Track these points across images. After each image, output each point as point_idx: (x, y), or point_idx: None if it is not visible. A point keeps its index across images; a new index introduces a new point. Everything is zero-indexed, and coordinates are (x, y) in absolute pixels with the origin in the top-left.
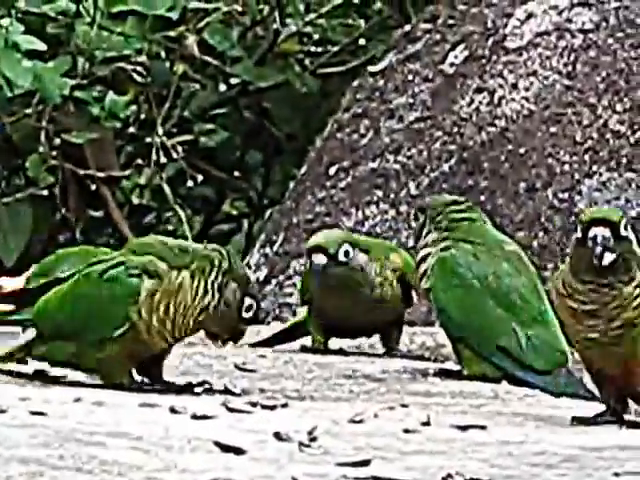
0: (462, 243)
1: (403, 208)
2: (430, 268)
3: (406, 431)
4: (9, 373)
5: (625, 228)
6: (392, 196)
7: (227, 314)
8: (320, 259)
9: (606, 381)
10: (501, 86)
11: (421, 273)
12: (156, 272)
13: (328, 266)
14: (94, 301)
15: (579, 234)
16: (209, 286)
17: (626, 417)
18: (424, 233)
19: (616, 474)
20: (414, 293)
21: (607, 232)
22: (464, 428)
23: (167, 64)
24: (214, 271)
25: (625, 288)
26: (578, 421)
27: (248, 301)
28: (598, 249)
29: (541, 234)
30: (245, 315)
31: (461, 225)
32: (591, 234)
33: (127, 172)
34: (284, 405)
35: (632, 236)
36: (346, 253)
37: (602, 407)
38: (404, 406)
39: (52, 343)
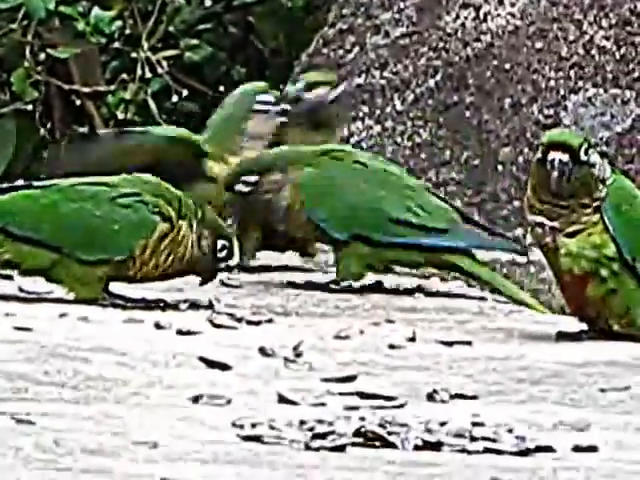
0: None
1: (388, 124)
2: None
3: (391, 347)
4: None
5: (585, 153)
6: (377, 112)
7: (204, 259)
8: None
9: (565, 295)
10: (487, 1)
11: None
12: (169, 218)
13: None
14: (97, 221)
15: (540, 155)
16: (194, 237)
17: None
18: None
19: (602, 390)
20: None
21: (566, 157)
22: (449, 344)
23: None
24: (196, 222)
25: (581, 213)
26: (563, 336)
27: (221, 243)
28: (555, 173)
29: (526, 150)
30: (219, 255)
31: None
32: (550, 158)
33: (112, 87)
34: (269, 320)
35: (595, 158)
36: None
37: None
38: (389, 322)
39: (21, 247)
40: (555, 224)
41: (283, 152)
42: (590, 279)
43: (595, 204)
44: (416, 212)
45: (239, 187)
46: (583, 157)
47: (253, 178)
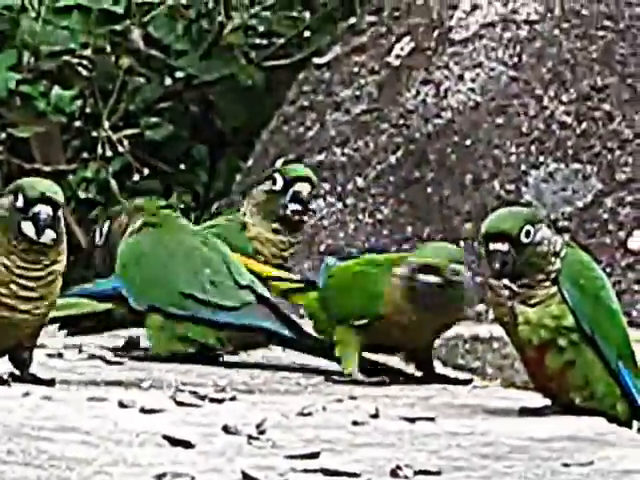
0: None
1: (350, 201)
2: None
3: (355, 423)
4: None
5: (527, 235)
6: (339, 189)
7: None
8: None
9: (528, 370)
10: (447, 78)
11: None
12: None
13: None
14: None
15: (482, 247)
16: None
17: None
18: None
19: (565, 464)
20: None
21: (505, 246)
22: (412, 420)
23: (112, 58)
24: None
25: (538, 288)
26: (526, 412)
27: None
28: (496, 265)
29: None
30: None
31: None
32: (490, 248)
33: (73, 166)
34: (232, 398)
35: (542, 234)
36: None
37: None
38: (352, 398)
39: None
40: (515, 292)
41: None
42: (549, 349)
43: (552, 276)
44: (205, 288)
45: None
46: (524, 240)
47: None
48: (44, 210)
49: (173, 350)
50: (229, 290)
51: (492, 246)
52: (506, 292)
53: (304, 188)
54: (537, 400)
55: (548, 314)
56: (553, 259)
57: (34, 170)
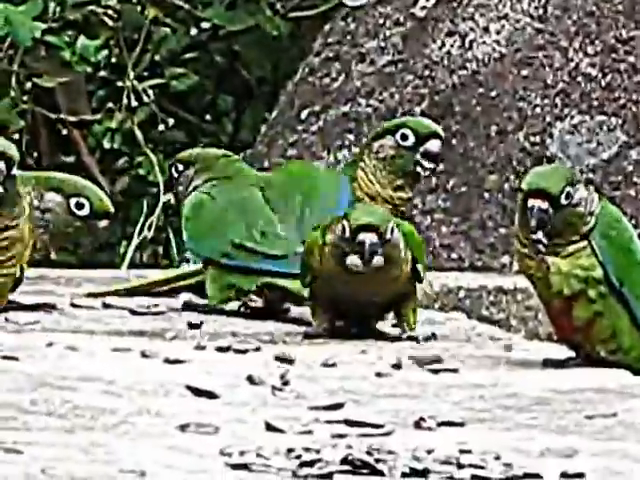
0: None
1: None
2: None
3: (378, 374)
4: None
5: (567, 197)
6: (364, 140)
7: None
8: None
9: (555, 325)
10: (472, 29)
11: None
12: None
13: None
14: None
15: (520, 201)
16: None
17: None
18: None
19: (589, 417)
20: None
21: (545, 204)
22: (436, 371)
23: (138, 8)
24: None
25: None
26: (550, 364)
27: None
28: (533, 222)
29: (512, 177)
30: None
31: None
32: (529, 205)
33: (98, 116)
34: (257, 349)
35: (580, 195)
36: None
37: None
38: (377, 350)
39: None
40: (547, 245)
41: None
42: (577, 301)
43: (584, 233)
44: (255, 238)
45: None
46: (564, 201)
47: None
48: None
49: (225, 300)
50: (278, 239)
51: (532, 202)
52: (539, 245)
53: (436, 145)
54: (560, 352)
55: (579, 265)
56: (588, 219)
57: (59, 120)
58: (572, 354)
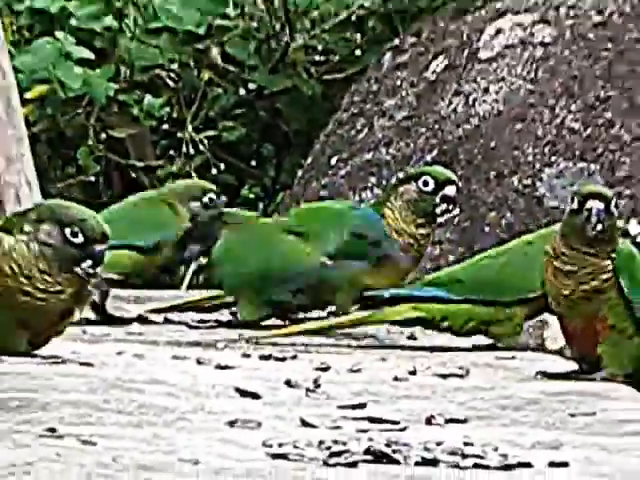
0: None
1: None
2: None
3: (396, 379)
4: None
5: (615, 206)
6: (384, 182)
7: None
8: None
9: (570, 339)
10: (475, 90)
11: None
12: None
13: None
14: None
15: (575, 206)
16: None
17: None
18: None
19: (572, 415)
20: None
21: (602, 205)
22: (444, 376)
23: (195, 71)
24: None
25: (601, 261)
26: (542, 375)
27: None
28: (594, 219)
29: (508, 214)
30: None
31: None
32: (588, 205)
33: (161, 162)
34: (293, 357)
35: (616, 213)
36: None
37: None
38: (395, 358)
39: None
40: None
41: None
42: (600, 321)
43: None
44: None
45: None
46: (613, 208)
47: None
48: None
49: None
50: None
51: (591, 204)
52: (601, 235)
53: (452, 190)
54: (553, 362)
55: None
56: (620, 238)
57: (129, 165)
58: (571, 367)
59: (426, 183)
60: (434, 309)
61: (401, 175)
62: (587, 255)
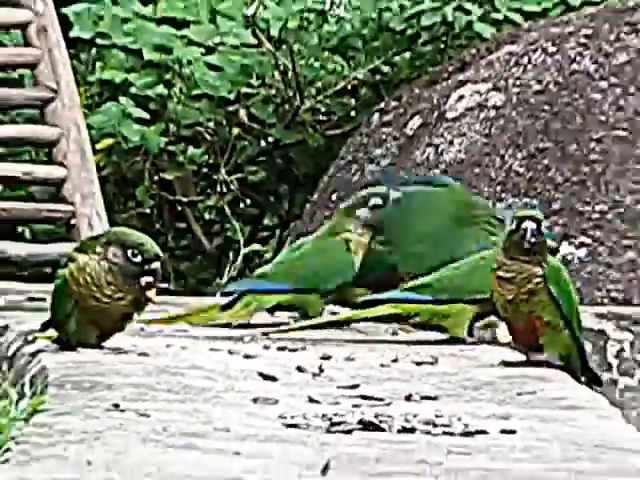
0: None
1: None
2: None
3: (382, 365)
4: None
5: (543, 226)
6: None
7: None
8: None
9: (513, 333)
10: (442, 142)
11: None
12: None
13: None
14: None
15: (514, 226)
16: None
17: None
18: None
19: (519, 393)
20: None
21: (534, 225)
22: (419, 364)
23: (227, 128)
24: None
25: (533, 267)
26: (506, 364)
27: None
28: (529, 234)
29: None
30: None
31: None
32: (524, 225)
33: (201, 198)
34: (303, 348)
35: (546, 231)
36: None
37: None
38: (381, 349)
39: None
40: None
41: None
42: (539, 320)
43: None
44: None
45: None
46: (543, 228)
47: None
48: None
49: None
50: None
51: (526, 224)
52: (534, 248)
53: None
54: (504, 353)
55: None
56: (550, 255)
57: (176, 200)
58: (522, 358)
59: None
60: (407, 307)
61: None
62: (522, 263)
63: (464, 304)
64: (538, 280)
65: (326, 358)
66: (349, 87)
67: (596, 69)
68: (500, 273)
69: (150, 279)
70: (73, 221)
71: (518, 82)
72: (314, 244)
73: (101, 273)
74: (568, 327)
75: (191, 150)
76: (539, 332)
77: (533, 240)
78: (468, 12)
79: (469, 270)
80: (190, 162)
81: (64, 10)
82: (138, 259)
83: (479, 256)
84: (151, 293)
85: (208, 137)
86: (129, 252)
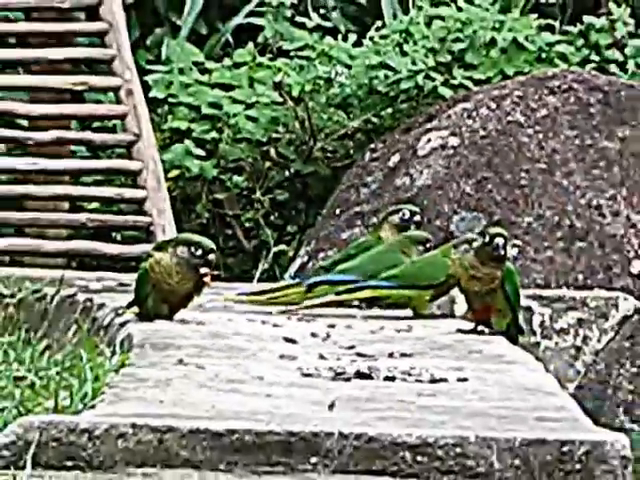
0: None
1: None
2: None
3: (372, 332)
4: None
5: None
6: (367, 224)
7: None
8: None
9: (474, 313)
10: (415, 172)
11: None
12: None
13: None
14: None
15: (487, 240)
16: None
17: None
18: None
19: (470, 352)
20: None
21: (503, 240)
22: (399, 331)
23: (261, 162)
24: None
25: (496, 271)
26: (461, 332)
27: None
28: (501, 248)
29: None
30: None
31: None
32: (496, 240)
33: (243, 212)
34: (315, 319)
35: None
36: None
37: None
38: (371, 321)
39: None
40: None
41: None
42: (493, 304)
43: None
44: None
45: None
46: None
47: None
48: None
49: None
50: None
51: (497, 240)
52: (501, 259)
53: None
54: (459, 324)
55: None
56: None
57: (226, 214)
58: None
59: (404, 215)
60: (384, 292)
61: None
62: (490, 267)
63: (422, 289)
64: (498, 281)
65: (332, 326)
66: (349, 133)
67: (525, 120)
68: (472, 272)
69: (206, 269)
70: (151, 229)
71: (469, 129)
72: (426, 257)
73: (172, 265)
74: (512, 312)
75: (235, 178)
76: (492, 314)
77: (502, 252)
78: (434, 79)
79: (424, 264)
80: (235, 186)
81: (145, 78)
82: (199, 253)
83: (434, 252)
84: (207, 279)
85: (247, 168)
86: (192, 248)
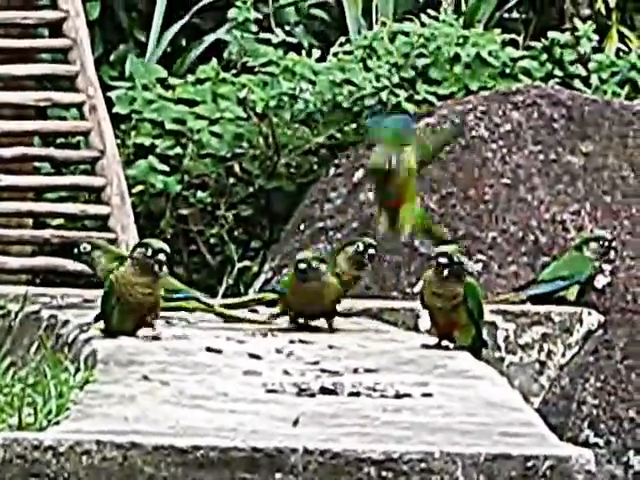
0: None
1: (334, 245)
2: None
3: (330, 347)
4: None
5: (458, 257)
6: (330, 239)
7: None
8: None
9: (437, 328)
10: None
11: None
12: None
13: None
14: None
15: (434, 261)
16: None
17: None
18: None
19: (435, 367)
20: None
21: (445, 259)
22: (364, 346)
23: (225, 178)
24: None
25: (457, 287)
26: (425, 347)
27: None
28: (442, 268)
29: (399, 258)
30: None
31: None
32: (439, 260)
33: (207, 228)
34: (277, 335)
35: (464, 259)
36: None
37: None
38: (337, 333)
39: None
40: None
41: None
42: (457, 320)
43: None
44: None
45: None
46: (456, 259)
47: None
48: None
49: None
50: None
51: (442, 259)
52: (450, 275)
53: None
54: (427, 339)
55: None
56: (466, 274)
57: (189, 229)
58: (436, 342)
59: (358, 248)
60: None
61: (342, 242)
62: (450, 284)
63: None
64: (460, 297)
65: (294, 342)
66: (313, 149)
67: (489, 135)
68: (434, 289)
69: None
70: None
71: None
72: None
73: (131, 278)
74: (475, 326)
75: (199, 194)
76: (455, 329)
77: (446, 272)
78: (397, 95)
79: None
80: (199, 202)
81: (109, 94)
82: (149, 253)
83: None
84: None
85: (212, 184)
86: (143, 249)
